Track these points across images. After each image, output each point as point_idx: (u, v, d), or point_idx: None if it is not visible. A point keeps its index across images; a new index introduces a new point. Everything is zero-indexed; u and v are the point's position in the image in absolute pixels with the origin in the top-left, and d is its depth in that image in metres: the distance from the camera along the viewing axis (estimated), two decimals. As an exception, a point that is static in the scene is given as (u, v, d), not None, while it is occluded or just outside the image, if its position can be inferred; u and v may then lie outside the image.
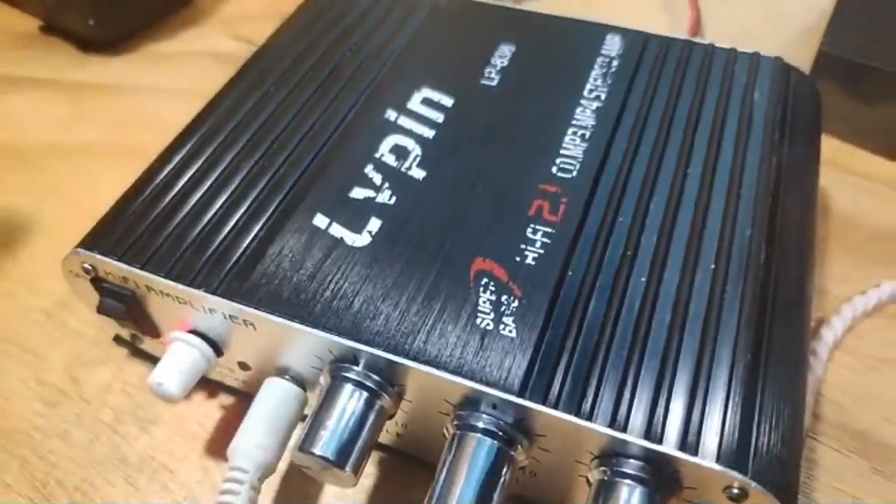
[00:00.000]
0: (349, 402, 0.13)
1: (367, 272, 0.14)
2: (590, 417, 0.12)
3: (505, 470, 0.12)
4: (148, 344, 0.17)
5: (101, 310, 0.15)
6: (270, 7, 0.29)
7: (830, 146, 0.24)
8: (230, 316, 0.14)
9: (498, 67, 0.18)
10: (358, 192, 0.16)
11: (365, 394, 0.13)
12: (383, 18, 0.20)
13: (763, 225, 0.15)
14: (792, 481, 0.12)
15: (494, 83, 0.18)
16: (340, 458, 0.12)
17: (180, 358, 0.14)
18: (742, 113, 0.17)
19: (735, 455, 0.11)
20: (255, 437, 0.13)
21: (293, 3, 0.28)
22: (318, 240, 0.15)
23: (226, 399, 0.17)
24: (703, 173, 0.16)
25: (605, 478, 0.12)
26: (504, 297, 0.13)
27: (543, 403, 0.12)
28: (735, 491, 0.11)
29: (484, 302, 0.13)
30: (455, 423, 0.13)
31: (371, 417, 0.13)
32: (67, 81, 0.26)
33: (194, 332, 0.15)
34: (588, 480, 0.13)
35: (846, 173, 0.23)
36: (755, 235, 0.15)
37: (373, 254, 0.14)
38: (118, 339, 0.18)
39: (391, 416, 0.14)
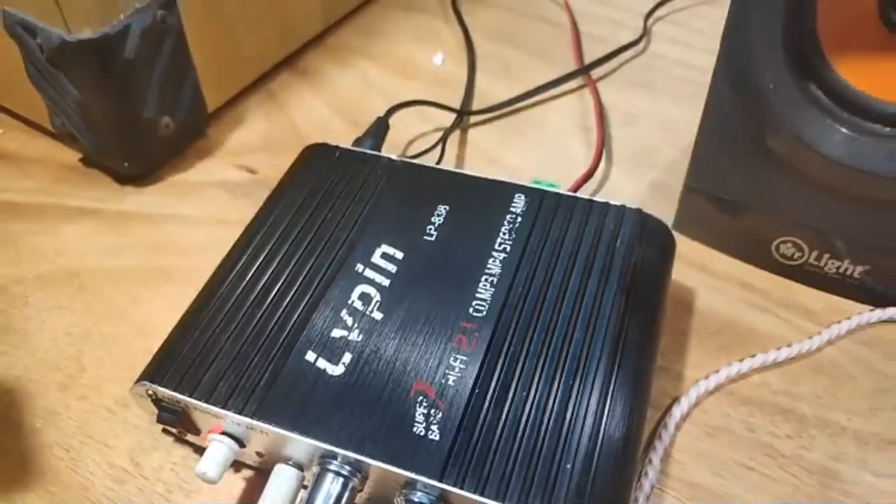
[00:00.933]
0: (332, 484, 0.20)
1: (341, 393, 0.21)
2: (483, 494, 0.19)
3: None
4: (190, 437, 0.24)
5: (160, 420, 0.22)
6: (268, 139, 0.37)
7: (700, 252, 0.31)
8: (249, 427, 0.21)
9: (436, 225, 0.25)
10: (336, 333, 0.22)
11: (341, 479, 0.20)
12: (358, 179, 0.27)
13: (611, 344, 0.22)
14: None
15: (433, 238, 0.25)
16: None
17: (216, 453, 0.21)
18: (606, 258, 0.24)
19: None
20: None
21: (286, 134, 0.35)
22: (309, 371, 0.22)
23: (248, 474, 0.24)
24: (572, 307, 0.23)
25: None
26: (432, 411, 0.20)
27: (454, 485, 0.19)
28: None
29: (419, 415, 0.20)
30: (401, 498, 0.20)
31: (346, 494, 0.20)
32: (111, 211, 0.33)
33: (225, 433, 0.22)
34: None
35: (709, 275, 0.30)
36: (606, 351, 0.22)
37: (345, 380, 0.21)
38: (166, 431, 0.25)
39: (360, 491, 0.21)
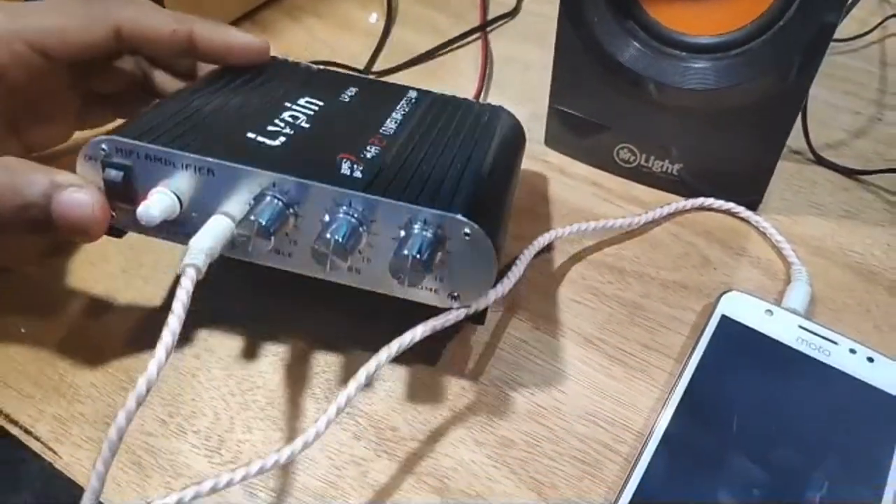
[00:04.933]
0: (269, 203, 0.24)
1: (279, 153, 0.25)
2: (397, 199, 0.24)
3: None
4: (120, 211, 0.25)
5: (106, 180, 0.24)
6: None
7: (562, 160, 0.39)
8: (197, 167, 0.24)
9: (348, 95, 0.32)
10: (271, 127, 0.27)
11: (276, 201, 0.24)
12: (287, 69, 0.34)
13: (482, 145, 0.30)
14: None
15: (346, 101, 0.31)
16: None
17: (159, 200, 0.25)
18: (479, 118, 0.32)
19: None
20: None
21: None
22: (250, 141, 0.26)
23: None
24: (456, 130, 0.30)
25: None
26: (354, 166, 0.25)
27: (376, 195, 0.24)
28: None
29: (345, 167, 0.25)
30: (327, 217, 0.24)
31: (280, 216, 0.24)
32: None
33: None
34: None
35: (567, 177, 0.38)
36: (478, 148, 0.29)
37: (281, 149, 0.26)
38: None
39: (292, 216, 0.25)
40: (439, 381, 0.29)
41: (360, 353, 0.30)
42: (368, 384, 0.26)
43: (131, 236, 0.27)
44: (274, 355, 0.30)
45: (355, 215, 0.24)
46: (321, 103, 0.31)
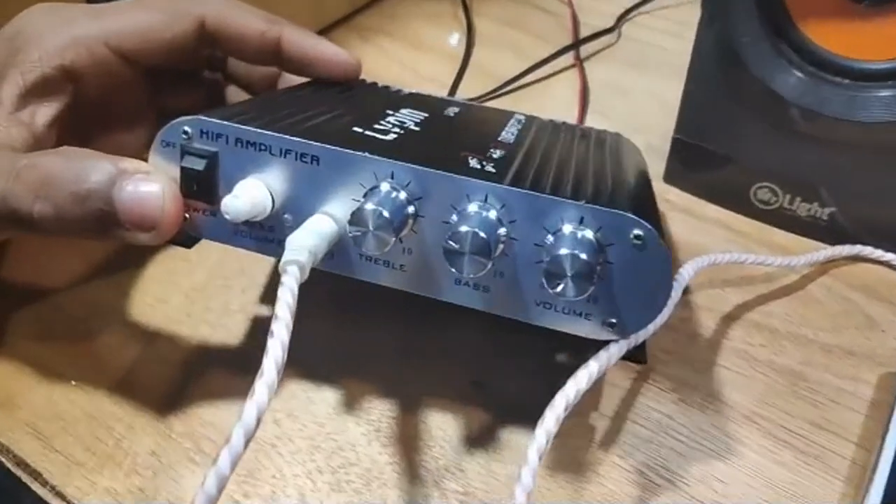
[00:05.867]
0: (386, 195, 0.20)
1: (394, 144, 0.21)
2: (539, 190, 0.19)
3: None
4: (198, 212, 0.22)
5: (184, 171, 0.21)
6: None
7: (687, 200, 0.34)
8: (300, 153, 0.20)
9: (452, 113, 0.28)
10: (379, 126, 0.23)
11: (396, 191, 0.20)
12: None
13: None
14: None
15: (452, 116, 0.28)
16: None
17: (250, 186, 0.21)
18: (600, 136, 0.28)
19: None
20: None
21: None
22: (357, 134, 0.22)
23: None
24: (585, 145, 0.26)
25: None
26: (483, 161, 0.21)
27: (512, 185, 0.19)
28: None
29: (472, 161, 0.21)
30: (456, 216, 0.20)
31: (400, 210, 0.20)
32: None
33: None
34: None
35: (696, 219, 0.34)
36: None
37: (396, 143, 0.21)
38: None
39: (413, 217, 0.20)
40: (571, 459, 0.24)
41: (479, 412, 0.25)
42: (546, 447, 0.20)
43: (199, 273, 0.22)
44: (369, 422, 0.25)
45: (493, 213, 0.19)
46: (426, 115, 0.26)
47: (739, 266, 0.31)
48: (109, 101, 0.26)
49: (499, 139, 0.25)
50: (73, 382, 0.26)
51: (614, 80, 0.42)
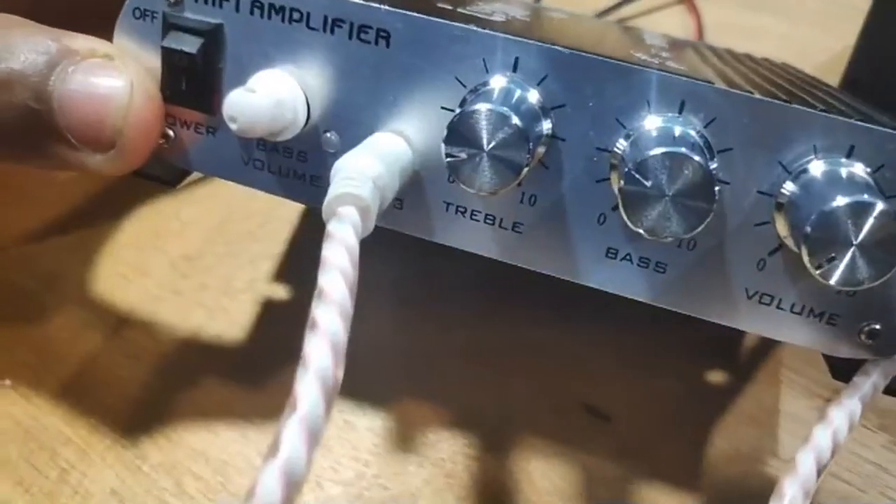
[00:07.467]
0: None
1: None
2: None
3: None
4: (183, 124, 0.15)
5: (167, 47, 0.13)
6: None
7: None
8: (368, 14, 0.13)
9: (557, 16, 0.22)
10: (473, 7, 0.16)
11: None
12: None
13: None
14: None
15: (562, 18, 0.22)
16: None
17: (269, 77, 0.13)
18: None
19: None
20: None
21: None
22: None
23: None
24: None
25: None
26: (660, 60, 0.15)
27: None
28: None
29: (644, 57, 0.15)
30: None
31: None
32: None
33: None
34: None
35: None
36: None
37: None
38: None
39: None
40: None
41: (598, 450, 0.18)
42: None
43: (192, 234, 0.16)
44: (436, 462, 0.18)
45: (695, 133, 0.12)
46: (527, 12, 0.19)
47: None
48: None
49: (649, 44, 0.17)
50: (8, 382, 0.19)
51: (730, 20, 0.34)
